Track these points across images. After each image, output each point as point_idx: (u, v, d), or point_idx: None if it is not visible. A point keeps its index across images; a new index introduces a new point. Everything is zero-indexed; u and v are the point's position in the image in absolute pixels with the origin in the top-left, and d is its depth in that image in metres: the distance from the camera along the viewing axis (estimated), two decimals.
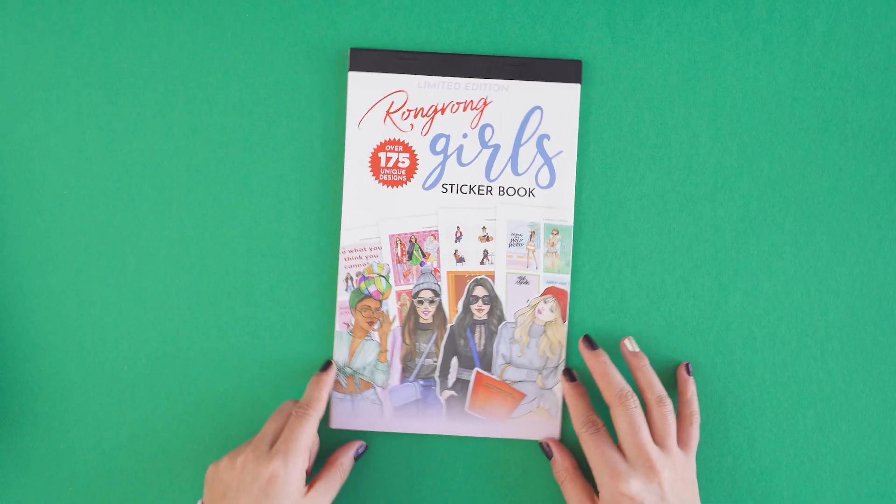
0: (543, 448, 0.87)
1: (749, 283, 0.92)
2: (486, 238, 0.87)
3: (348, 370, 0.89)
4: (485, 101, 0.89)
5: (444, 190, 0.88)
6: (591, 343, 0.87)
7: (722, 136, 0.92)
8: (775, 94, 0.92)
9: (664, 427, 0.83)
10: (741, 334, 0.92)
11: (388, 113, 0.89)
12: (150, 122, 0.89)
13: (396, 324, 0.89)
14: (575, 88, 0.90)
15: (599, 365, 0.85)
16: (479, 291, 0.87)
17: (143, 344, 0.91)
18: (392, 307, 0.88)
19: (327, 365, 0.89)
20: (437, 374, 0.87)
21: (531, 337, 0.88)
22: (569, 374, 0.87)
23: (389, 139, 0.89)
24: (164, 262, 0.90)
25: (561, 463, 0.85)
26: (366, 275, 0.87)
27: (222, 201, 0.90)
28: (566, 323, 0.89)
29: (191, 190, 0.90)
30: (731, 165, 0.92)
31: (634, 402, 0.82)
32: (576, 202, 0.91)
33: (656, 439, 0.83)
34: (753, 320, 0.92)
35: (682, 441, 0.85)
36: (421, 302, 0.86)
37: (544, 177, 0.89)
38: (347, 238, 0.88)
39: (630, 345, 0.88)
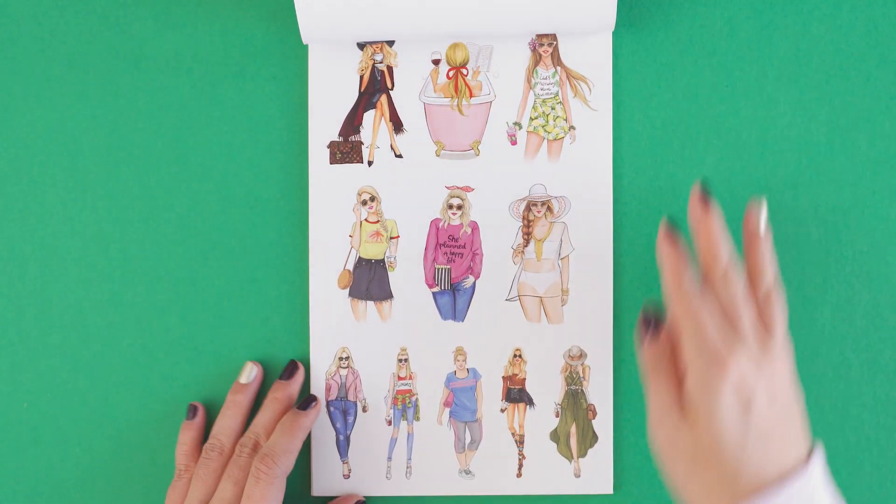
0: (649, 316, 0.74)
1: (843, 295, 0.84)
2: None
3: None
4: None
5: None
6: (706, 196, 0.73)
7: (807, 104, 0.83)
8: (877, 47, 0.83)
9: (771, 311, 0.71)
10: (832, 361, 0.84)
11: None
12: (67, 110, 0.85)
13: None
14: (605, 39, 0.82)
15: (714, 245, 0.72)
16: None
17: (48, 374, 0.84)
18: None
19: (291, 370, 0.81)
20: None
21: None
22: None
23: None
24: (75, 267, 0.83)
25: (666, 348, 0.72)
26: None
27: (147, 189, 0.84)
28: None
29: (110, 180, 0.84)
30: (820, 141, 0.83)
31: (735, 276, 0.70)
32: (614, 188, 0.83)
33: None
34: (848, 343, 0.83)
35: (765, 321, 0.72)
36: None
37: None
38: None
39: (757, 211, 0.74)
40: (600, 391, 0.83)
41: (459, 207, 0.82)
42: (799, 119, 0.83)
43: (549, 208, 0.82)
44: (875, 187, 0.83)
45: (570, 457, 0.82)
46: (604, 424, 0.82)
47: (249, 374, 0.80)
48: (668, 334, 0.72)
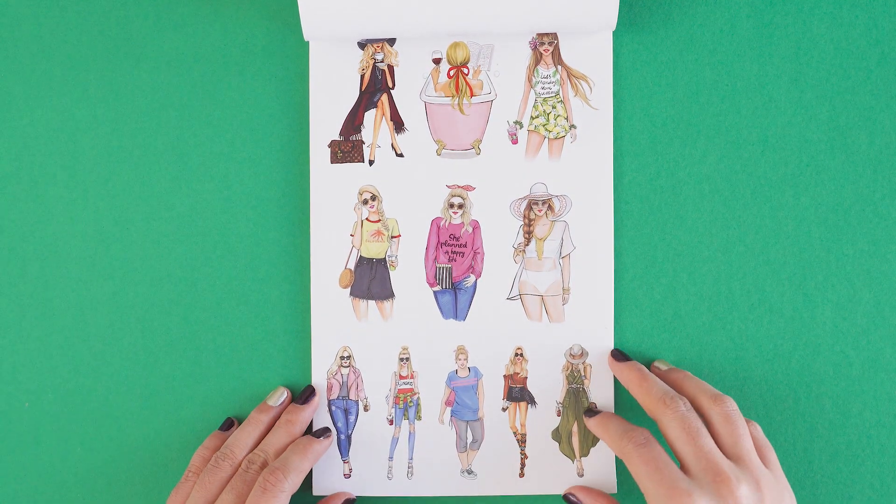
0: (570, 501, 0.76)
1: (843, 294, 0.82)
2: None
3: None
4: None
5: None
6: (622, 355, 0.78)
7: (808, 102, 0.82)
8: (877, 45, 0.82)
9: (731, 430, 0.71)
10: (833, 360, 0.82)
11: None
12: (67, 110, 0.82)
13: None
14: (606, 38, 0.79)
15: (634, 373, 0.75)
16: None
17: (49, 374, 0.82)
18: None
19: (308, 395, 0.79)
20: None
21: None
22: (590, 411, 0.77)
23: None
24: (76, 267, 0.81)
25: None
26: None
27: (147, 187, 0.81)
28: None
29: (111, 180, 0.82)
30: (820, 139, 0.82)
31: (684, 403, 0.72)
32: (615, 187, 0.81)
33: (725, 450, 0.71)
34: (849, 342, 0.81)
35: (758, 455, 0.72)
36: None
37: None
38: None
39: (663, 365, 0.78)
40: (602, 390, 0.81)
41: (460, 206, 0.80)
42: (799, 117, 0.82)
43: (550, 207, 0.80)
44: (875, 185, 0.82)
45: (572, 456, 0.80)
46: None
47: (279, 398, 0.80)
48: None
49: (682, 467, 0.70)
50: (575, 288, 0.81)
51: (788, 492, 0.71)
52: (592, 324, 0.79)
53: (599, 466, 0.80)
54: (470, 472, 0.80)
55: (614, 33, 0.81)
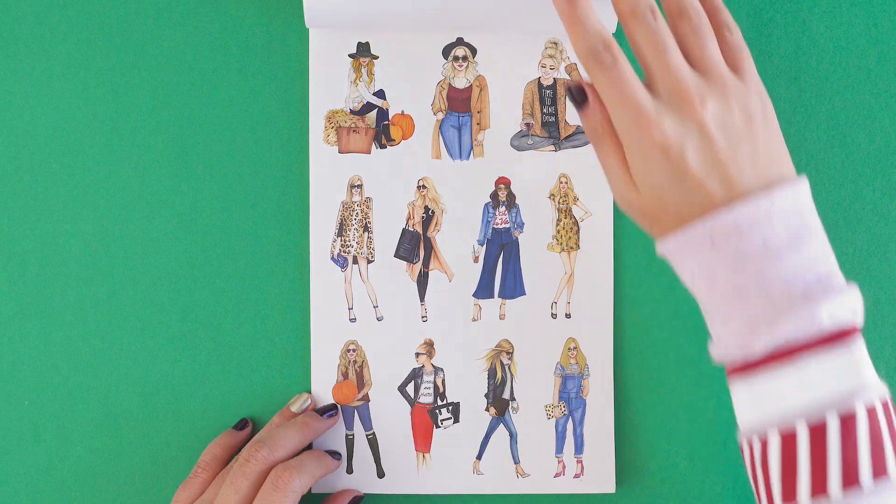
0: (573, 92, 0.67)
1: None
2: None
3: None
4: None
5: None
6: None
7: (807, 101, 0.82)
8: (876, 44, 0.83)
9: (700, 43, 0.65)
10: None
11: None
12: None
13: None
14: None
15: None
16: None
17: (48, 373, 0.81)
18: None
19: (331, 412, 0.79)
20: None
21: None
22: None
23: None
24: (75, 265, 0.81)
25: (598, 113, 0.67)
26: None
27: (149, 186, 0.81)
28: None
29: (110, 176, 0.81)
30: (819, 138, 0.82)
31: (656, 15, 0.64)
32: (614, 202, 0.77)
33: (692, 62, 0.65)
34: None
35: (728, 62, 0.67)
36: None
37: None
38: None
39: None
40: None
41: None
42: (799, 116, 0.82)
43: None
44: (875, 184, 0.81)
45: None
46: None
47: (302, 404, 0.79)
48: (599, 100, 0.67)
49: (649, 87, 0.65)
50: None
51: (760, 96, 0.67)
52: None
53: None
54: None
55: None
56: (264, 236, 0.81)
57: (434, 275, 0.80)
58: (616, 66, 0.63)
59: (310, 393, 0.79)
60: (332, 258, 0.79)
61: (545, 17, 0.75)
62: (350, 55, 0.80)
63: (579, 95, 0.67)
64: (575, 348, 0.79)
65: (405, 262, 0.79)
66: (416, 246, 0.78)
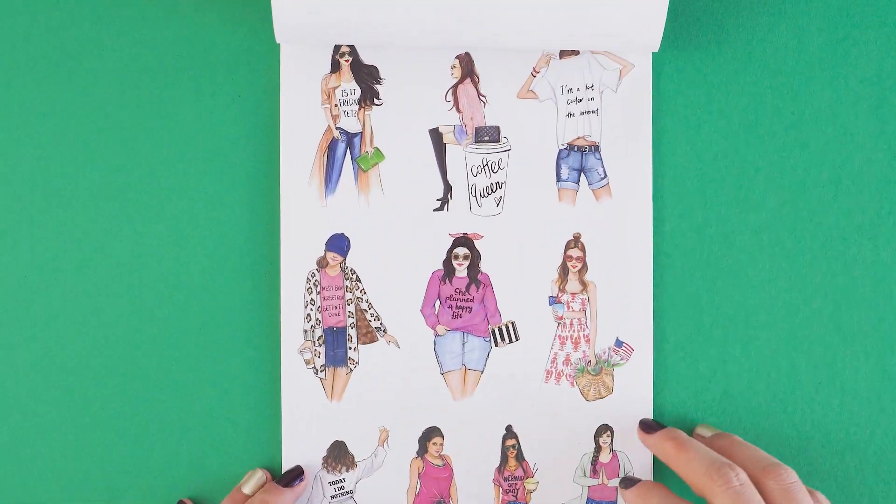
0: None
1: None
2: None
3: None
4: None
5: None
6: (651, 425, 0.72)
7: (891, 135, 0.74)
8: None
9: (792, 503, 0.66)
10: None
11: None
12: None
13: None
14: (644, 59, 0.73)
15: (669, 441, 0.69)
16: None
17: None
18: None
19: (294, 476, 0.72)
20: None
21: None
22: (627, 480, 0.71)
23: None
24: (33, 293, 0.73)
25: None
26: None
27: (84, 230, 0.74)
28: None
29: (37, 217, 0.74)
30: None
31: (737, 474, 0.65)
32: (654, 237, 0.74)
33: None
34: None
35: None
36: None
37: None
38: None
39: (706, 430, 0.73)
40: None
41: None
42: (880, 154, 0.75)
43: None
44: None
45: None
46: None
47: (255, 484, 0.72)
48: None
49: None
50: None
51: None
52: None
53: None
54: None
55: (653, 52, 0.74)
56: (225, 290, 0.74)
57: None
58: (748, 486, 0.64)
59: (264, 469, 0.72)
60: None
61: (554, 31, 0.69)
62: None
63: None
64: None
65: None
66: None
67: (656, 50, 0.71)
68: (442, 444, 0.73)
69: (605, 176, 0.74)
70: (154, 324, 0.73)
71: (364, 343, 0.73)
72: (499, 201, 0.73)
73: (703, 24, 0.75)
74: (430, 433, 0.72)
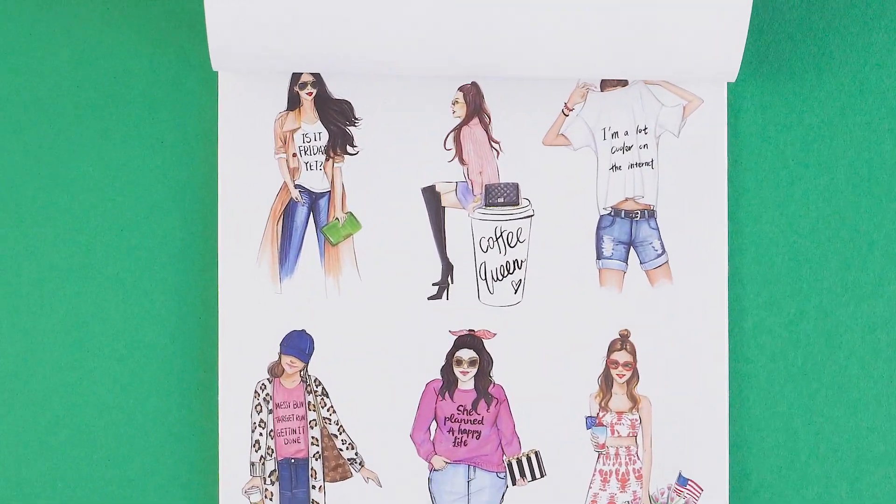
0: None
1: None
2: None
3: None
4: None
5: None
6: None
7: None
8: None
9: None
10: None
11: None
12: None
13: None
14: (719, 91, 0.69)
15: None
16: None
17: None
18: None
19: None
20: None
21: None
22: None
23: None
24: None
25: None
26: None
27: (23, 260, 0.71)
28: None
29: None
30: None
31: None
32: (731, 325, 0.68)
33: None
34: None
35: None
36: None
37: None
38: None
39: None
40: None
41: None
42: None
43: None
44: None
45: None
46: None
47: None
48: None
49: None
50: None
51: None
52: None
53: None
54: None
55: (729, 84, 0.69)
56: (150, 366, 0.69)
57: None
58: None
59: None
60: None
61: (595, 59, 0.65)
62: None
63: None
64: None
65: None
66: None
67: (733, 79, 0.66)
68: None
69: (663, 252, 0.68)
70: (54, 457, 0.70)
71: (333, 480, 0.69)
72: (518, 286, 0.68)
73: (796, 45, 0.70)
74: None
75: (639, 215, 0.68)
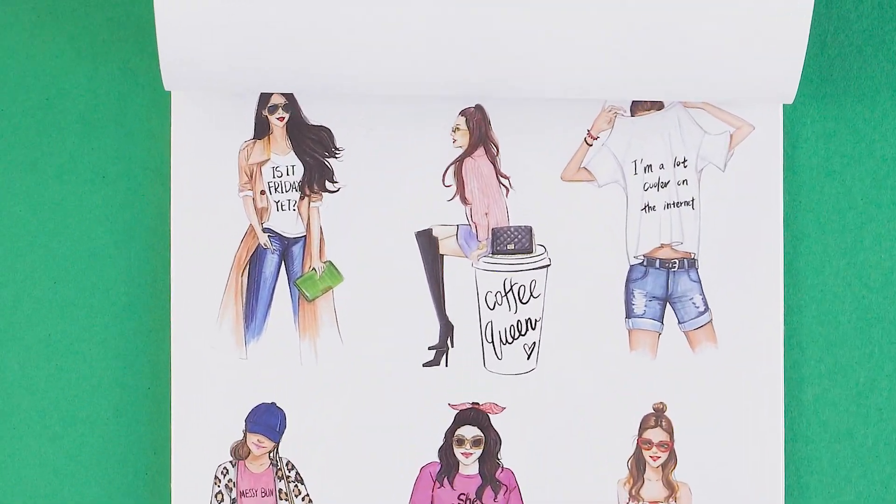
0: None
1: None
2: None
3: None
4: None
5: None
6: None
7: None
8: None
9: None
10: None
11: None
12: None
13: None
14: (776, 111, 0.65)
15: None
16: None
17: None
18: None
19: None
20: None
21: None
22: None
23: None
24: None
25: None
26: None
27: None
28: None
29: None
30: None
31: None
32: (787, 397, 0.64)
33: None
34: None
35: None
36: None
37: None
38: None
39: None
40: None
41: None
42: None
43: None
44: None
45: None
46: None
47: None
48: None
49: None
50: None
51: None
52: None
53: None
54: None
55: (786, 106, 0.66)
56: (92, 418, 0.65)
57: None
58: None
59: None
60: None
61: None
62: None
63: None
64: None
65: None
66: None
67: (790, 101, 0.61)
68: None
69: (707, 309, 0.63)
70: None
71: None
72: (531, 351, 0.64)
73: (866, 60, 0.66)
74: None
75: (677, 265, 0.64)
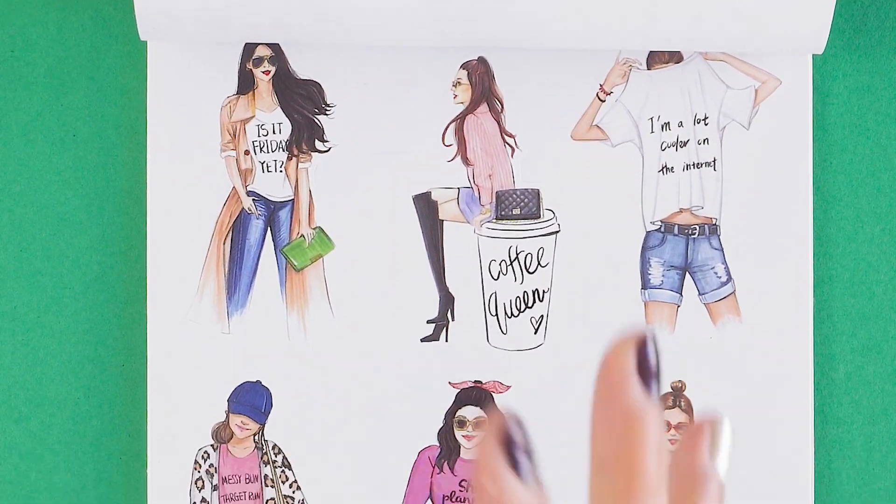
0: None
1: None
2: None
3: None
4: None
5: None
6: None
7: None
8: None
9: None
10: None
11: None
12: None
13: None
14: (804, 63, 0.63)
15: None
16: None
17: None
18: None
19: None
20: None
21: None
22: None
23: None
24: None
25: None
26: None
27: None
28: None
29: None
30: None
31: None
32: (816, 376, 0.61)
33: None
34: None
35: None
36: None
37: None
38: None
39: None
40: None
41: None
42: None
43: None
44: None
45: None
46: None
47: None
48: None
49: None
50: None
51: None
52: None
53: None
54: None
55: (815, 57, 0.63)
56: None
57: None
58: None
59: None
60: None
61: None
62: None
63: None
64: None
65: None
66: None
67: (820, 52, 0.59)
68: None
69: (729, 280, 0.61)
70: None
71: None
72: (538, 324, 0.61)
73: (884, 18, 0.64)
74: None
75: (697, 231, 0.61)
